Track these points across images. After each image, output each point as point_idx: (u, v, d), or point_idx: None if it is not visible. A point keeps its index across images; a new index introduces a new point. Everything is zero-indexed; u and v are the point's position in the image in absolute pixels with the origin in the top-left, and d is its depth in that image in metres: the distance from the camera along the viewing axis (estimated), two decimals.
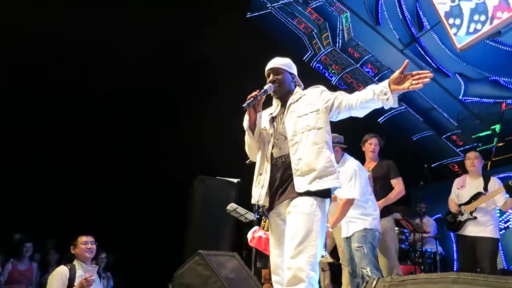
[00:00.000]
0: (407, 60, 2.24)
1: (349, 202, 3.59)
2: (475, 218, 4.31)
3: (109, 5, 6.36)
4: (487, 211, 4.31)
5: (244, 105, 2.44)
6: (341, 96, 2.41)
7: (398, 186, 4.41)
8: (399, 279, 1.40)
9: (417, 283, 1.33)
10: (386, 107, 2.28)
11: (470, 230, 4.35)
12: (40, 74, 6.65)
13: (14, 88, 6.57)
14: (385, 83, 2.24)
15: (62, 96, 7.00)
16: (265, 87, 2.51)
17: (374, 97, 2.24)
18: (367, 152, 4.62)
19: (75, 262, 3.73)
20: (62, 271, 3.61)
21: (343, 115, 2.45)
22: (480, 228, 4.29)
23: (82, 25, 6.52)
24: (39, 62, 6.56)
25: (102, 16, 6.53)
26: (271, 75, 2.57)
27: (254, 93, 2.46)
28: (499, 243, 4.41)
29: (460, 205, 4.48)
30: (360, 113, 2.39)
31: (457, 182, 4.72)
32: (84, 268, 3.73)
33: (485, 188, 4.37)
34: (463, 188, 4.56)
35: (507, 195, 4.17)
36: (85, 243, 3.76)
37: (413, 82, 2.19)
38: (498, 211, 4.64)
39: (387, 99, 2.21)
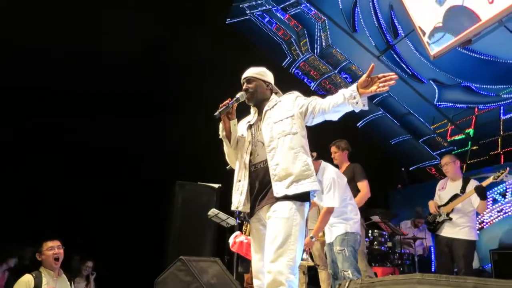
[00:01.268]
0: (372, 64, 2.31)
1: (329, 211, 3.67)
2: (451, 219, 4.39)
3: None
4: (464, 213, 4.38)
5: (216, 113, 2.51)
6: (315, 101, 2.47)
7: (362, 189, 4.50)
8: (369, 281, 1.48)
9: (385, 284, 1.41)
10: (356, 110, 2.34)
11: (447, 231, 4.43)
12: (29, 75, 6.56)
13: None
14: (354, 87, 2.30)
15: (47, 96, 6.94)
16: (237, 95, 2.59)
17: (345, 101, 2.30)
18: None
19: (42, 270, 3.53)
20: (27, 280, 3.41)
21: (317, 120, 2.50)
22: (455, 229, 4.36)
23: (71, 28, 6.49)
24: (28, 62, 6.47)
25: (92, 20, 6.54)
26: (245, 84, 2.65)
27: (226, 102, 2.53)
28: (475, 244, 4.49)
29: (439, 207, 4.56)
30: (334, 117, 2.45)
31: (439, 184, 4.79)
32: (51, 276, 3.53)
33: (463, 190, 4.44)
34: (444, 190, 4.65)
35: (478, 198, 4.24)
36: (51, 249, 3.55)
37: (380, 84, 2.26)
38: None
39: (357, 103, 2.27)
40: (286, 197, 2.29)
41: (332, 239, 3.82)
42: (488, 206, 6.94)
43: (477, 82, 7.00)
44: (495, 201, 6.94)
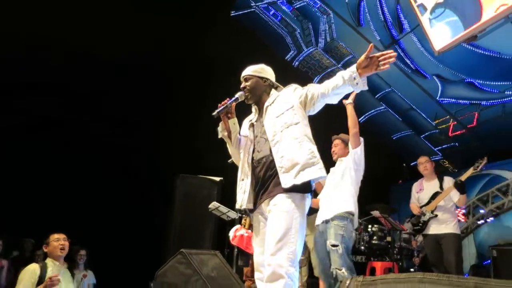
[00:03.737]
0: (371, 44, 2.29)
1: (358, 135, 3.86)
2: (436, 216, 4.54)
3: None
4: (446, 209, 4.55)
5: (214, 113, 2.52)
6: (312, 88, 2.47)
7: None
8: (371, 278, 1.49)
9: (386, 282, 1.42)
10: (357, 91, 2.36)
11: (434, 228, 4.57)
12: (33, 70, 6.57)
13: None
14: (353, 68, 2.29)
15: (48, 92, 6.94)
16: (236, 95, 2.59)
17: (345, 83, 2.30)
18: None
19: (47, 260, 3.68)
20: (33, 268, 3.56)
21: (319, 106, 2.49)
22: (442, 225, 4.52)
23: (70, 27, 6.46)
24: (29, 58, 6.47)
25: (91, 17, 6.51)
26: (243, 83, 2.64)
27: (224, 101, 2.55)
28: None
29: (421, 207, 4.72)
30: (334, 100, 2.45)
31: (415, 186, 4.98)
32: (56, 266, 3.67)
33: (441, 188, 4.63)
34: (422, 191, 4.82)
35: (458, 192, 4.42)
36: (57, 240, 3.70)
37: (380, 64, 2.25)
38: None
39: (357, 84, 2.28)
40: (292, 188, 2.30)
41: (329, 217, 3.65)
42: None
43: (481, 79, 6.98)
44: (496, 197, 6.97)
